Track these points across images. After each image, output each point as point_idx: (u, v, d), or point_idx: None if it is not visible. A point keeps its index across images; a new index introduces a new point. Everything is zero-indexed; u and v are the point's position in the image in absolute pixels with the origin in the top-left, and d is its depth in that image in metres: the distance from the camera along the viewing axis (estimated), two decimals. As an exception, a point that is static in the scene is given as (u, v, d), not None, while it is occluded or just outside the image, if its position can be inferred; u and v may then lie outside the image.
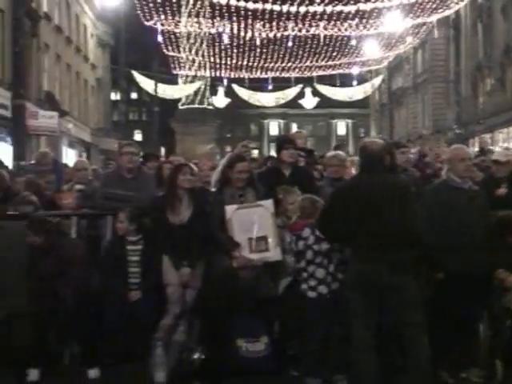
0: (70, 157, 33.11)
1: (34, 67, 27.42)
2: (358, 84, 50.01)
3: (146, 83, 41.74)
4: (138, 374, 6.08)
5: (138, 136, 69.96)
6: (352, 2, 31.60)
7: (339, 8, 31.94)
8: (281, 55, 40.46)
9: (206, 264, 6.29)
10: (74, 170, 8.03)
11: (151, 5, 31.57)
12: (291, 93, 47.88)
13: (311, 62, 41.97)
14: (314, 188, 6.94)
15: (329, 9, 31.76)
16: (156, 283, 6.21)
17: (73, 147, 36.30)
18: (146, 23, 33.58)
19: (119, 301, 6.19)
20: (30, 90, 25.41)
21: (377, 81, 51.10)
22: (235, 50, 38.21)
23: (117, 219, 6.39)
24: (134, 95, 72.31)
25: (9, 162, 14.85)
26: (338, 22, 34.67)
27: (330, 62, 42.03)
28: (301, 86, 48.19)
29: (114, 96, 54.21)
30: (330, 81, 48.27)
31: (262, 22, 34.16)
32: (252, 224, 6.17)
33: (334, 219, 5.37)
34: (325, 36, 37.12)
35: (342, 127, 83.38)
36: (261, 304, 6.14)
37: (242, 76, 43.42)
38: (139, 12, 32.26)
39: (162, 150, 44.72)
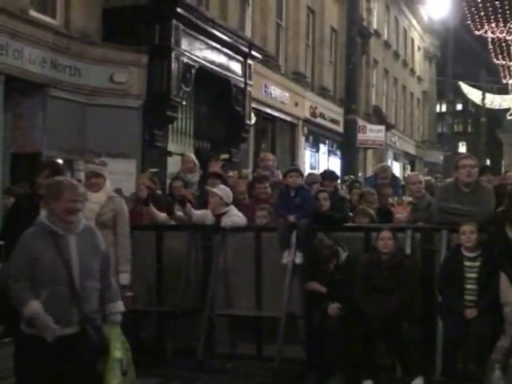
0: (394, 169, 33.65)
1: (363, 83, 28.41)
2: None
3: (473, 94, 40.90)
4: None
5: (462, 148, 68.43)
6: None
7: None
8: None
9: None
10: (408, 183, 8.12)
11: (482, 13, 30.69)
12: None
13: None
14: None
15: None
16: (493, 302, 5.99)
17: (397, 160, 36.79)
18: (476, 32, 32.74)
19: (455, 317, 6.10)
20: (359, 104, 26.35)
21: None
22: None
23: (461, 233, 6.27)
24: (459, 106, 70.98)
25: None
26: None
27: None
28: None
29: (439, 108, 53.89)
30: None
31: None
32: None
33: None
34: None
35: None
36: None
37: None
38: (469, 22, 31.61)
39: (487, 162, 43.30)
